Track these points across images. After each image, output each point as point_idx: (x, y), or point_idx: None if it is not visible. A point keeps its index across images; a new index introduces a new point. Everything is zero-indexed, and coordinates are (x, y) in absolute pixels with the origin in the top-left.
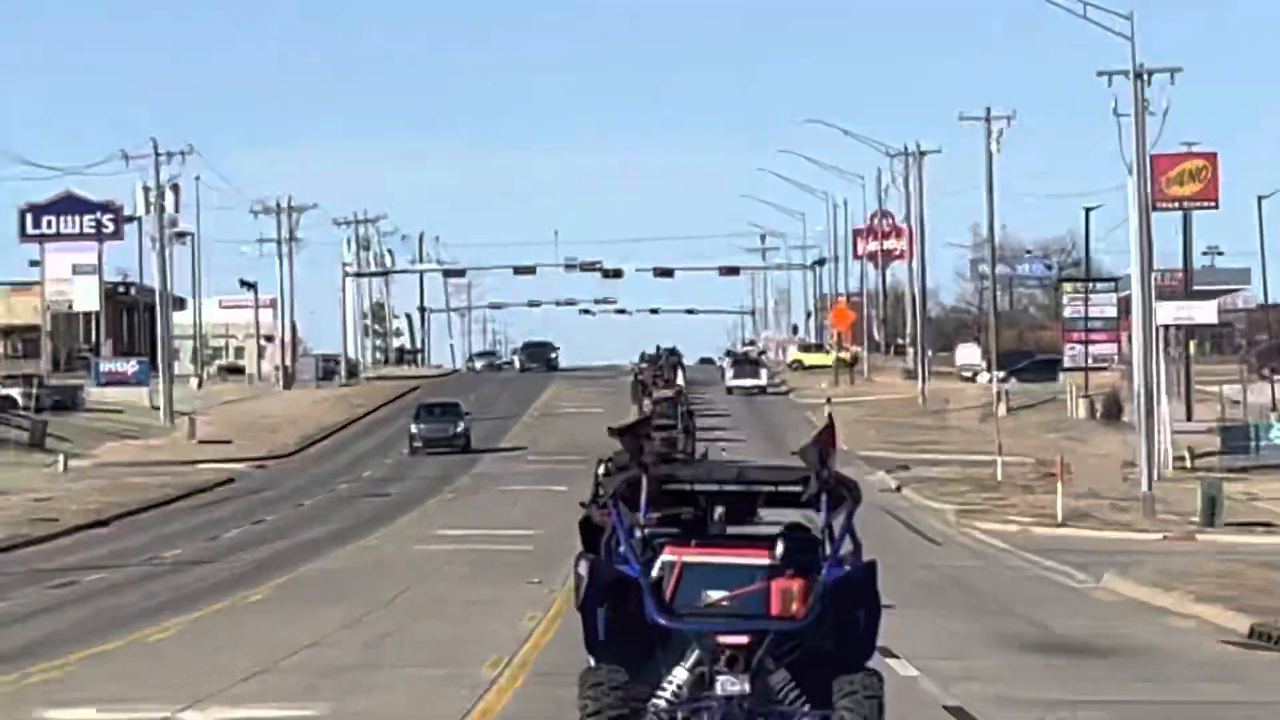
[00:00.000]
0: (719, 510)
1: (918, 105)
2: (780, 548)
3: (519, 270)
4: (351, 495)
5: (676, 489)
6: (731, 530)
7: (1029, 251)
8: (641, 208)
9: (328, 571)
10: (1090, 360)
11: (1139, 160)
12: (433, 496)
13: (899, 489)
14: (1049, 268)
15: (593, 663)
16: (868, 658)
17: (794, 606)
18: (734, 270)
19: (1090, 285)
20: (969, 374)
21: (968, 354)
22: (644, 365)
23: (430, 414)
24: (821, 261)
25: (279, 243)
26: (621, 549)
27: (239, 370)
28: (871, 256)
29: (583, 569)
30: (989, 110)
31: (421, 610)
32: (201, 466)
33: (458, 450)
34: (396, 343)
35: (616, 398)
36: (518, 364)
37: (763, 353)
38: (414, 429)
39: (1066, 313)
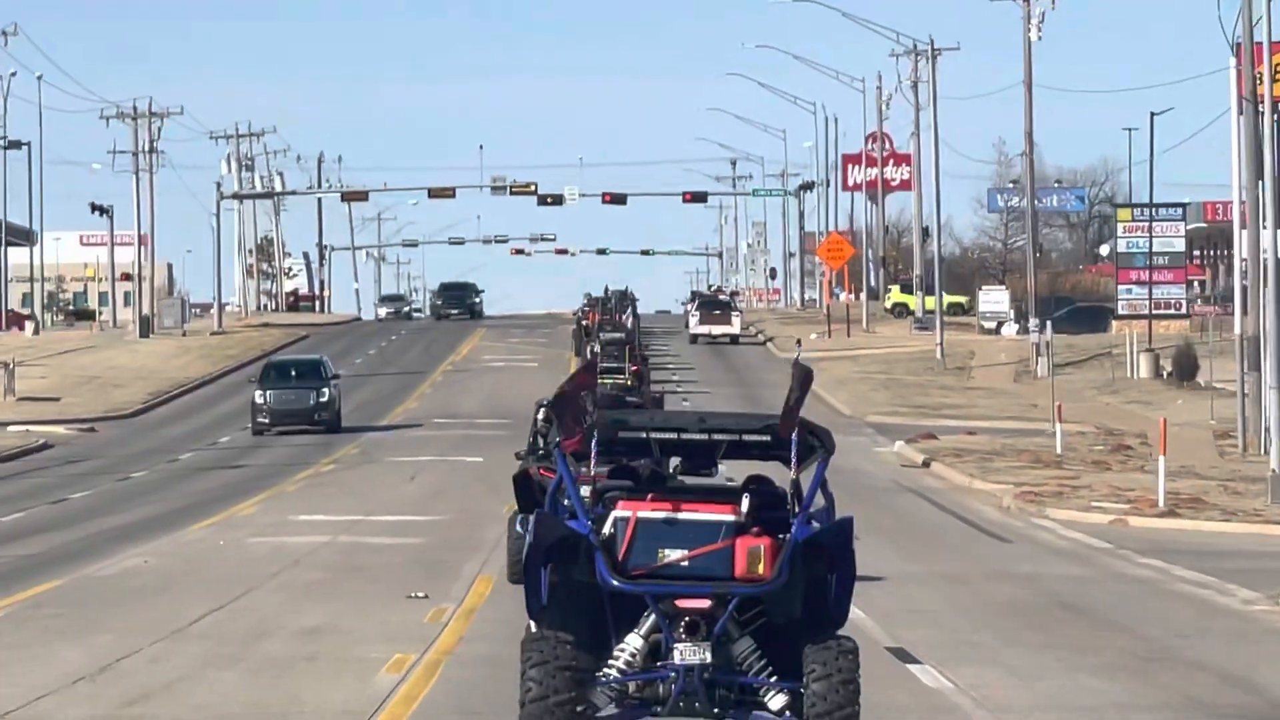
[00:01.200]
0: (676, 461)
1: None
2: (746, 502)
3: (435, 193)
4: (198, 467)
5: (630, 437)
6: (689, 483)
7: (1058, 181)
8: (585, 129)
9: (118, 577)
10: (1154, 306)
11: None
12: (303, 470)
13: (927, 464)
14: (1081, 200)
15: (534, 628)
16: (839, 625)
17: (760, 567)
18: (701, 197)
19: (1153, 211)
20: (991, 324)
21: (993, 300)
22: (589, 309)
23: (282, 376)
24: (809, 186)
25: (136, 155)
26: (568, 502)
27: (90, 315)
28: (867, 186)
29: (519, 527)
30: None
31: (225, 648)
32: (12, 429)
33: (321, 428)
34: (290, 286)
35: (553, 349)
36: (432, 310)
37: (735, 293)
38: (258, 397)
39: (1121, 246)
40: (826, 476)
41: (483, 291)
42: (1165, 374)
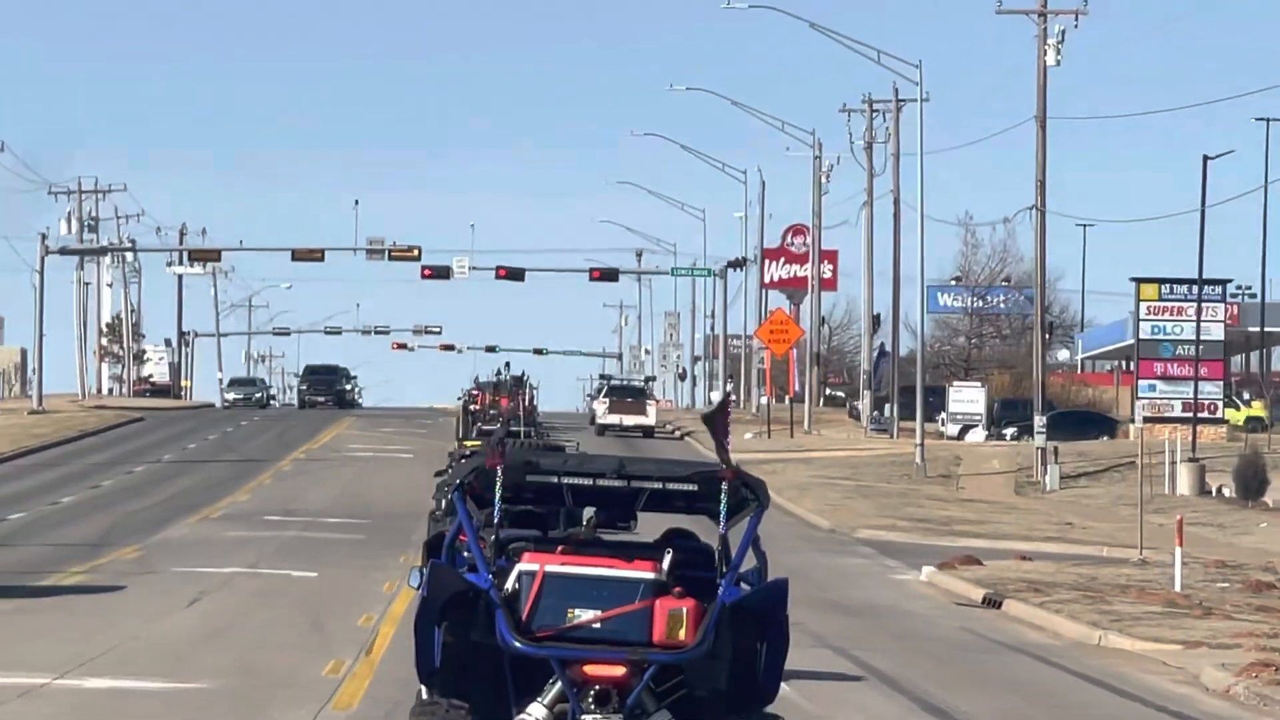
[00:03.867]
0: (590, 511)
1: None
2: (667, 559)
3: (300, 255)
4: None
5: (539, 482)
6: (605, 536)
7: (1006, 280)
8: (476, 205)
9: None
10: (1185, 407)
11: None
12: (36, 579)
13: (994, 603)
14: (1031, 301)
15: (425, 694)
16: (768, 701)
17: (682, 632)
18: (612, 275)
19: (1201, 288)
20: (955, 429)
21: (965, 399)
22: (478, 390)
23: None
24: (739, 263)
25: None
26: (468, 554)
27: None
28: (783, 284)
29: (413, 580)
30: (1044, 2)
31: None
32: None
33: None
34: (149, 372)
35: (433, 440)
36: (297, 398)
37: (651, 379)
38: None
39: (1144, 330)
40: (759, 534)
41: (355, 378)
42: (1215, 490)
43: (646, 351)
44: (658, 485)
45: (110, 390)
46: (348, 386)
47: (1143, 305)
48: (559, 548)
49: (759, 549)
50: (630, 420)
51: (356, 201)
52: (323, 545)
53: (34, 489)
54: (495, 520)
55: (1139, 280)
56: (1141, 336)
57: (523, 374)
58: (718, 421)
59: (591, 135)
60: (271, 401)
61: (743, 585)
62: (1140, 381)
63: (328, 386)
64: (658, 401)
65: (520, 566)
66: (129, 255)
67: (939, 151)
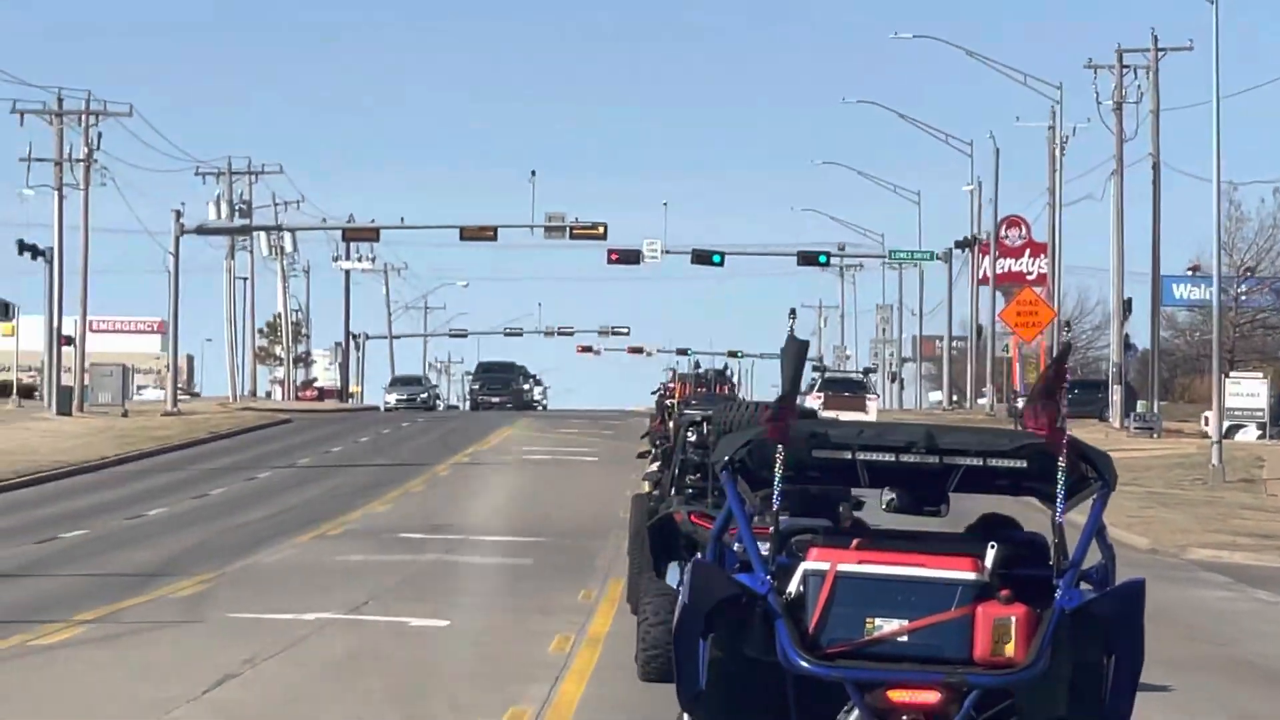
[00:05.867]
0: (891, 495)
1: None
2: (991, 554)
3: (468, 234)
4: None
5: (828, 458)
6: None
7: (1250, 271)
8: (663, 191)
9: None
10: None
11: None
12: (14, 635)
13: None
14: (1279, 293)
15: None
16: None
17: (1010, 647)
18: (816, 259)
19: None
20: (1226, 425)
21: (1245, 392)
22: (673, 385)
23: None
24: (967, 243)
25: (59, 164)
26: (739, 547)
27: (7, 390)
28: (1003, 280)
29: (672, 578)
30: None
31: None
32: None
33: None
34: (314, 374)
35: (621, 441)
36: (469, 398)
37: (870, 370)
38: None
39: None
40: (1105, 522)
41: (534, 376)
42: None
43: (847, 356)
44: (975, 461)
45: (268, 394)
46: (526, 386)
47: None
48: (854, 541)
49: (1104, 541)
50: (848, 417)
51: (533, 173)
52: (470, 575)
53: (122, 499)
54: (774, 506)
55: None
56: None
57: (725, 367)
58: (1051, 380)
59: (791, 113)
60: (437, 402)
61: (1084, 586)
62: None
63: (504, 385)
64: (879, 396)
65: (806, 565)
66: (288, 246)
67: (1196, 106)
